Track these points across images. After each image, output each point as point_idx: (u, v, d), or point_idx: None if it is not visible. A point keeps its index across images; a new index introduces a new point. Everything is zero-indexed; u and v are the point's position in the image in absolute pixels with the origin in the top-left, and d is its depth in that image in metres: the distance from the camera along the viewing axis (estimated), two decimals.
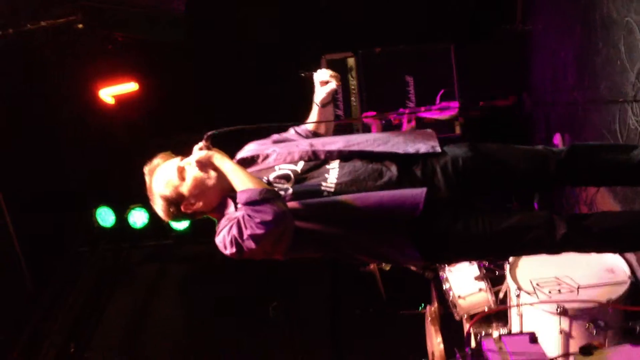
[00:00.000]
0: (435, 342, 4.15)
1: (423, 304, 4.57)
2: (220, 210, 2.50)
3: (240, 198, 2.36)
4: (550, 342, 3.23)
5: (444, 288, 4.07)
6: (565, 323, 3.21)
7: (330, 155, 2.57)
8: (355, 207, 2.39)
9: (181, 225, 5.78)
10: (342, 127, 4.64)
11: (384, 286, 4.75)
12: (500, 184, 2.60)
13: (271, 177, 2.55)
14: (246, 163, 2.64)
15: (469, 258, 2.68)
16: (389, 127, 4.63)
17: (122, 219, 5.95)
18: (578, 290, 3.23)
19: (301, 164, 2.57)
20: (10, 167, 5.09)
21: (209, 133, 2.45)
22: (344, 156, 2.56)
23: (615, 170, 2.57)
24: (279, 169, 2.58)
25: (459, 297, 3.98)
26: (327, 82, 2.71)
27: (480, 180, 2.55)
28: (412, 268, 4.39)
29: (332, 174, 2.51)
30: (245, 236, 2.31)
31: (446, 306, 4.16)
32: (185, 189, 2.48)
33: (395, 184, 2.46)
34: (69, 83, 5.43)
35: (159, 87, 5.47)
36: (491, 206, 2.54)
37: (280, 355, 5.15)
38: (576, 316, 3.19)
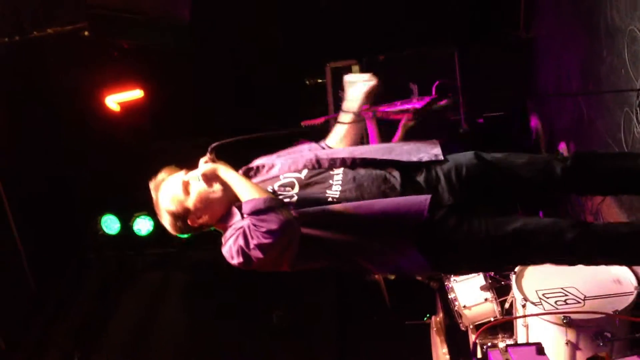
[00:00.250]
0: (441, 353, 4.13)
1: (428, 314, 4.55)
2: (226, 220, 2.50)
3: (246, 208, 2.36)
4: (557, 354, 3.20)
5: (450, 298, 4.04)
6: (571, 334, 3.18)
7: (334, 163, 2.59)
8: (360, 214, 2.40)
9: None
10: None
11: (388, 295, 4.72)
12: (505, 192, 2.59)
13: (276, 185, 2.56)
14: (251, 173, 2.66)
15: (474, 264, 2.65)
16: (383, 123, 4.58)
17: (127, 226, 5.98)
18: (584, 301, 3.20)
19: (305, 172, 2.58)
20: (15, 175, 5.11)
21: (213, 145, 2.45)
22: (348, 164, 2.58)
23: (621, 177, 2.56)
24: (284, 177, 2.59)
25: (465, 307, 3.95)
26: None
27: (485, 188, 2.55)
28: (418, 278, 4.37)
29: (337, 181, 2.52)
30: (251, 246, 2.31)
31: (451, 316, 4.13)
32: (190, 203, 2.49)
33: (399, 191, 2.47)
34: (74, 90, 5.46)
35: (165, 94, 5.49)
36: (496, 211, 2.52)
37: None
38: (583, 327, 3.16)
